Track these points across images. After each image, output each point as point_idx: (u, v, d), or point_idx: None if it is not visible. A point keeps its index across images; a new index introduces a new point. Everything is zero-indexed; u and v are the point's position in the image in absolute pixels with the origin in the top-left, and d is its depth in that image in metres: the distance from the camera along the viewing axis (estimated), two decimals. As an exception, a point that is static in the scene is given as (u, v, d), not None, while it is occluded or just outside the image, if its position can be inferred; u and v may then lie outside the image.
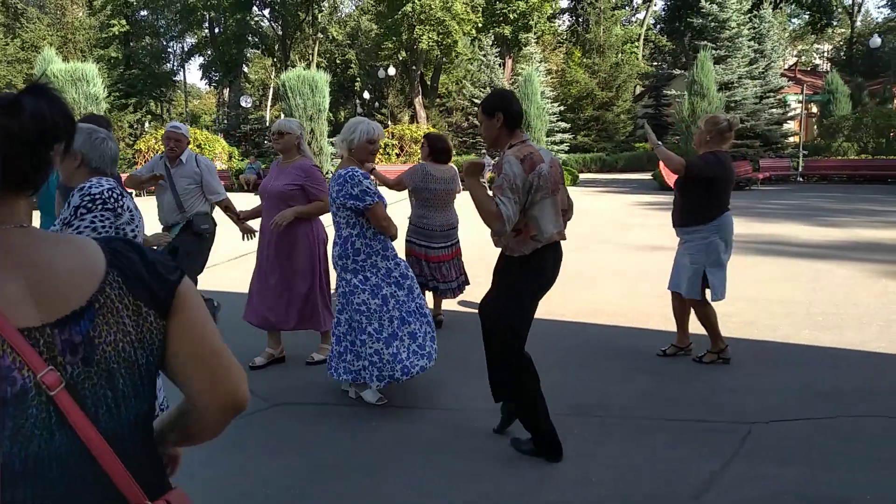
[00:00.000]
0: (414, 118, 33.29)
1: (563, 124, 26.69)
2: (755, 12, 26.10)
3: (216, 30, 41.62)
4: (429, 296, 5.60)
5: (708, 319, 4.47)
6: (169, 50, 46.19)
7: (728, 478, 3.01)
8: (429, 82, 36.39)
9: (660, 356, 4.68)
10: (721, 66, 23.60)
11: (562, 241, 3.26)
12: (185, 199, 5.12)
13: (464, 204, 4.66)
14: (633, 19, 46.26)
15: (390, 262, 3.79)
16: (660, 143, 4.55)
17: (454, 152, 28.19)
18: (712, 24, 24.82)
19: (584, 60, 35.07)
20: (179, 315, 0.99)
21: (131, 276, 0.95)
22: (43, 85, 0.91)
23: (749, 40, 24.72)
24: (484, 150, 24.64)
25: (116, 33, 37.58)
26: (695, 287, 4.40)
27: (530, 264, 3.15)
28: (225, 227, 5.76)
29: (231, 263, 8.69)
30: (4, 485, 0.82)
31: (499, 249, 3.30)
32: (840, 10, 42.71)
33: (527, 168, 3.03)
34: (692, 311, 4.59)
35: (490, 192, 3.08)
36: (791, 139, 25.25)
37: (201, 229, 5.22)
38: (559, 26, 42.06)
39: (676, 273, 4.56)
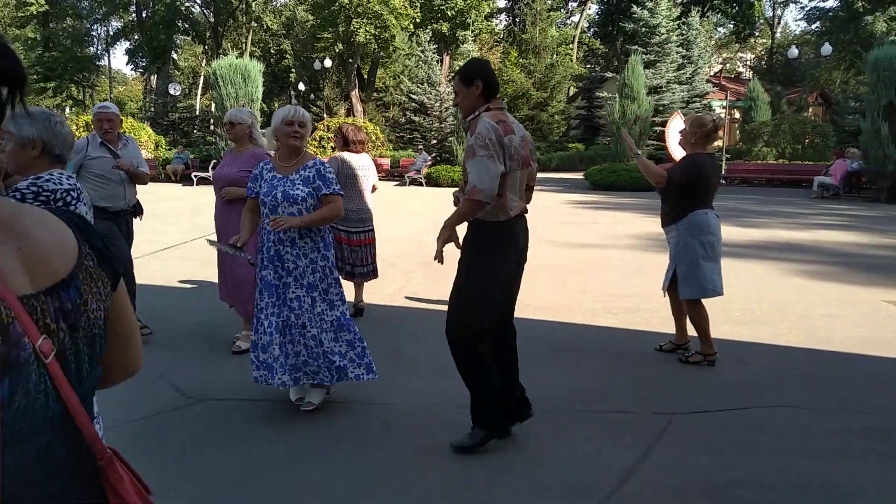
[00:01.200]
0: (350, 111, 32.93)
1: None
2: (683, 19, 27.06)
3: (144, 14, 39.97)
4: (349, 287, 5.57)
5: (697, 321, 4.47)
6: (92, 33, 44.10)
7: (646, 468, 3.08)
8: (366, 76, 36.07)
9: (656, 350, 4.76)
10: (651, 70, 24.37)
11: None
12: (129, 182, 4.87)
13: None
14: (568, 22, 47.14)
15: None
16: (639, 152, 4.67)
17: (391, 147, 27.75)
18: (643, 29, 25.60)
19: (520, 60, 35.49)
20: (119, 292, 1.04)
21: (97, 249, 0.99)
22: None
23: (678, 46, 25.64)
24: (421, 146, 24.62)
25: (35, 13, 35.59)
26: (665, 282, 4.61)
27: (505, 233, 3.10)
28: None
29: (154, 256, 8.37)
30: (4, 448, 0.83)
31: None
32: (762, 21, 44.78)
33: (502, 130, 3.00)
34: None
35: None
36: (715, 143, 26.26)
37: (141, 210, 5.15)
38: (496, 25, 42.43)
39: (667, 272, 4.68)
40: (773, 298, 6.29)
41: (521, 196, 3.19)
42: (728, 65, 52.83)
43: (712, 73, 35.58)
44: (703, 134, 4.42)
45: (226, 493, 2.86)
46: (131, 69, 47.81)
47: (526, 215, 3.25)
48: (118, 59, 78.68)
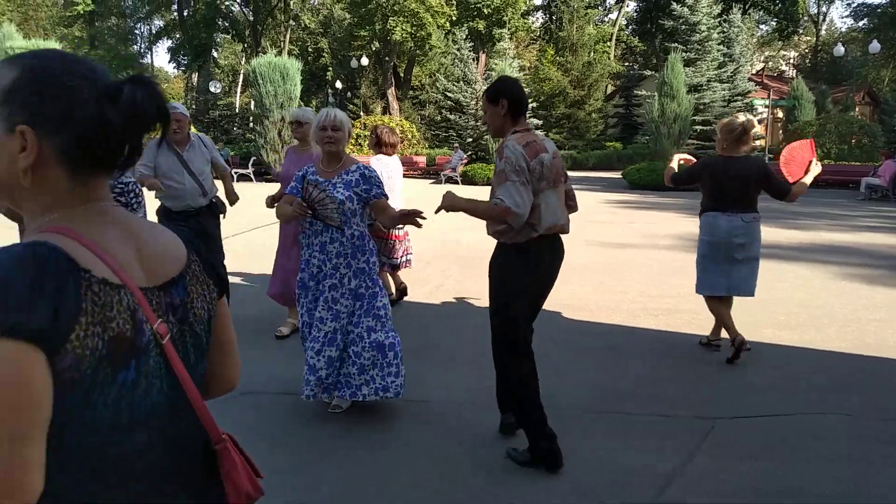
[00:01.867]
0: (387, 110, 33.08)
1: (536, 121, 26.74)
2: (725, 16, 26.52)
3: (185, 13, 40.73)
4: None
5: (713, 313, 4.71)
6: (136, 31, 45.15)
7: (690, 473, 3.03)
8: (402, 74, 36.19)
9: (702, 345, 4.91)
10: (691, 68, 23.95)
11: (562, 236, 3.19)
12: (204, 181, 4.83)
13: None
14: (606, 19, 46.61)
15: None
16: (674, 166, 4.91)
17: (427, 146, 27.73)
18: (683, 26, 25.17)
19: (557, 58, 35.21)
20: (220, 303, 1.15)
21: (203, 259, 1.11)
22: (146, 77, 0.99)
23: (718, 44, 25.14)
24: (456, 144, 24.59)
25: (81, 12, 36.54)
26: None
27: (525, 253, 3.04)
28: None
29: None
30: (130, 430, 0.92)
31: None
32: (806, 18, 43.65)
33: (529, 154, 2.96)
34: (726, 307, 4.72)
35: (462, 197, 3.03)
36: (757, 143, 25.73)
37: (223, 209, 5.10)
38: (533, 23, 42.18)
39: None
40: (820, 302, 6.12)
41: (562, 212, 3.14)
42: (771, 63, 51.66)
43: (754, 72, 34.83)
44: (733, 138, 4.48)
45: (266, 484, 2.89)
46: (173, 67, 48.78)
47: (562, 235, 3.18)
48: (160, 57, 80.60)
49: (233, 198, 5.18)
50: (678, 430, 3.46)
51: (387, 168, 5.60)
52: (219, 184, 5.11)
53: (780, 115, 29.46)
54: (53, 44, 19.91)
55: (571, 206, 3.33)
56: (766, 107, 26.27)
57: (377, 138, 5.76)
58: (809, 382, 4.15)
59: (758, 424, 3.55)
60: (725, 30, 25.78)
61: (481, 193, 6.94)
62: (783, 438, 3.37)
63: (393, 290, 6.00)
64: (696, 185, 4.68)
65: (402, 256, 5.87)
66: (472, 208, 2.99)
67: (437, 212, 3.05)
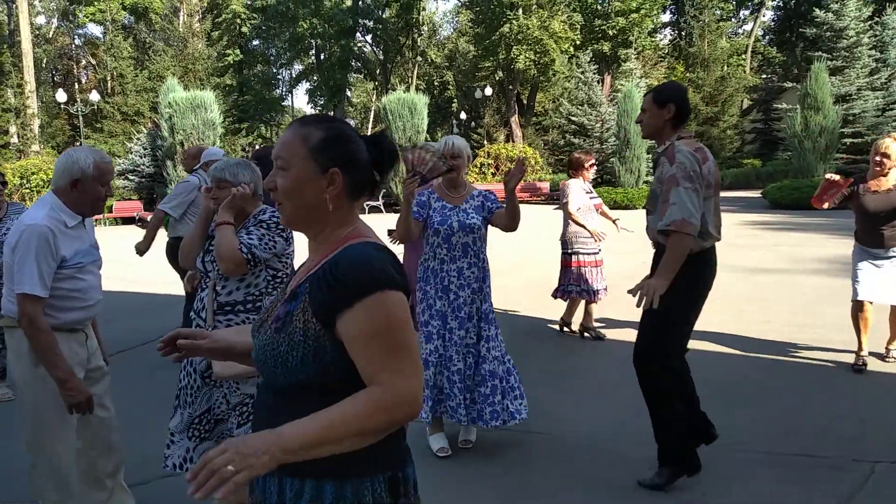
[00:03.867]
0: (510, 137, 33.37)
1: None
2: (877, 19, 24.44)
3: (322, 56, 43.53)
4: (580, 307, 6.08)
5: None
6: (278, 77, 48.77)
7: (847, 520, 2.81)
8: (525, 101, 36.41)
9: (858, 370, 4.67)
10: (837, 77, 22.23)
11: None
12: None
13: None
14: (741, 31, 44.44)
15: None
16: None
17: (550, 171, 27.55)
18: (827, 33, 23.46)
19: (688, 75, 33.98)
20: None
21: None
22: (386, 131, 1.46)
23: (869, 49, 23.16)
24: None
25: (231, 62, 40.09)
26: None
27: (697, 265, 2.94)
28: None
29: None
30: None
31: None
32: (976, 12, 39.22)
33: (700, 159, 2.93)
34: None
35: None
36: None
37: None
38: (660, 41, 41.04)
39: None
40: None
41: (719, 223, 3.07)
42: (933, 64, 46.80)
43: (914, 76, 31.69)
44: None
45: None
46: (311, 107, 52.09)
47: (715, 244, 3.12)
48: (299, 98, 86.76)
49: None
50: (831, 473, 3.22)
51: (587, 191, 5.91)
52: None
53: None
54: (209, 93, 21.94)
55: (719, 220, 3.22)
56: (929, 114, 23.79)
57: (572, 163, 6.01)
58: None
59: (926, 470, 3.23)
60: (878, 33, 23.71)
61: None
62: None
63: (592, 321, 5.94)
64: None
65: (599, 283, 5.79)
66: (675, 260, 2.84)
67: (639, 305, 2.89)
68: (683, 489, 3.09)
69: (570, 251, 5.82)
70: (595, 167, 6.10)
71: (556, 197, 23.69)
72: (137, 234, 5.54)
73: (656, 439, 3.12)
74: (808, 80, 20.13)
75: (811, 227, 13.41)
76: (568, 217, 5.77)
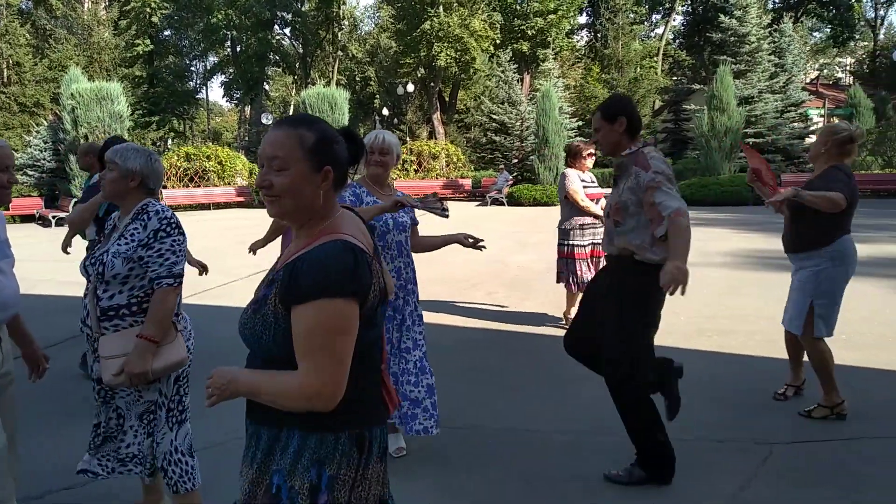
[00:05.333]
0: (432, 134, 33.46)
1: (582, 139, 26.62)
2: (775, 26, 25.96)
3: (238, 48, 42.25)
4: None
5: (822, 362, 3.80)
6: (192, 68, 47.01)
7: (747, 500, 2.94)
8: (447, 98, 36.59)
9: (778, 400, 4.10)
10: (741, 80, 23.46)
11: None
12: None
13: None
14: (652, 34, 46.23)
15: None
16: (798, 192, 3.72)
17: (472, 168, 27.66)
18: (731, 38, 24.73)
19: (603, 76, 35.07)
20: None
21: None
22: (348, 128, 1.62)
23: (769, 54, 24.58)
24: (502, 166, 24.63)
25: (141, 52, 38.33)
26: (795, 319, 3.88)
27: (650, 275, 2.87)
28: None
29: (250, 279, 8.75)
30: (376, 344, 1.59)
31: None
32: (862, 23, 42.33)
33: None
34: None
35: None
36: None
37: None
38: (577, 42, 42.14)
39: (790, 306, 3.98)
40: (884, 319, 5.88)
41: None
42: (825, 71, 50.18)
43: (808, 81, 33.87)
44: (837, 143, 3.79)
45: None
46: (226, 101, 50.54)
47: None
48: (214, 91, 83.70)
49: None
50: (735, 456, 3.37)
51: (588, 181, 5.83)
52: None
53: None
54: (116, 84, 20.88)
55: None
56: (822, 116, 25.50)
57: (570, 152, 5.90)
58: (875, 405, 3.98)
59: (818, 449, 3.43)
60: (777, 39, 25.21)
61: (527, 214, 6.89)
62: (843, 464, 3.24)
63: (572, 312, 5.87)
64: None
65: (588, 274, 5.71)
66: (684, 245, 2.80)
67: (672, 293, 2.77)
68: (589, 478, 3.15)
69: (569, 242, 5.76)
70: (594, 157, 5.98)
71: (477, 194, 23.91)
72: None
73: (634, 444, 3.12)
74: (714, 82, 21.16)
75: (717, 223, 14.13)
76: (573, 206, 5.66)
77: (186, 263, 2.76)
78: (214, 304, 7.13)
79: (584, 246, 5.75)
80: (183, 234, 2.56)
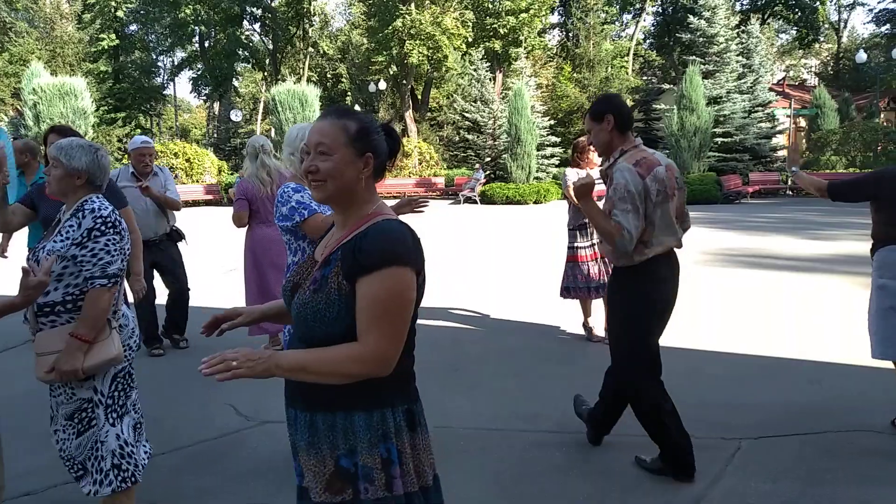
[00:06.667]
0: (405, 132, 33.33)
1: (554, 138, 26.72)
2: (743, 28, 26.37)
3: (206, 44, 41.58)
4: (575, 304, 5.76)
5: None
6: (159, 64, 46.12)
7: (717, 495, 2.95)
8: (419, 96, 36.48)
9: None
10: (710, 80, 23.78)
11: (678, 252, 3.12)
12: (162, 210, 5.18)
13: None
14: (623, 34, 46.65)
15: None
16: (795, 170, 3.94)
17: (445, 166, 27.48)
18: (700, 39, 25.06)
19: (575, 75, 35.27)
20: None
21: None
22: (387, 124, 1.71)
23: (737, 55, 24.95)
24: (477, 165, 24.62)
25: (105, 48, 37.46)
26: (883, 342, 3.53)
27: (642, 276, 2.96)
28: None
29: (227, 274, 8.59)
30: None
31: None
32: (826, 25, 43.23)
33: (643, 172, 2.86)
34: None
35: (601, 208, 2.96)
36: (780, 153, 25.43)
37: (183, 235, 5.43)
38: (549, 41, 42.33)
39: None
40: (846, 316, 5.98)
41: (676, 227, 3.04)
42: (792, 72, 51.16)
43: (775, 82, 34.50)
44: None
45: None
46: (195, 97, 49.77)
47: (676, 250, 3.10)
48: (182, 87, 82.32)
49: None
50: (703, 451, 3.37)
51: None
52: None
53: (803, 123, 29.12)
54: (80, 79, 20.40)
55: (683, 220, 3.20)
56: (788, 116, 25.97)
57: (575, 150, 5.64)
58: (839, 399, 4.04)
59: (785, 444, 3.45)
60: (744, 40, 25.60)
61: (500, 213, 6.86)
62: (811, 458, 3.27)
63: (590, 321, 5.57)
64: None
65: (599, 278, 5.38)
66: (592, 215, 2.94)
67: (570, 191, 2.93)
68: (566, 469, 3.13)
69: (574, 245, 5.49)
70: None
71: (450, 192, 23.89)
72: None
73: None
74: (683, 82, 21.43)
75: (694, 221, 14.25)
76: (576, 206, 5.32)
77: None
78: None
79: (586, 248, 5.46)
80: (119, 233, 2.48)
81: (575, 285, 5.46)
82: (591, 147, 5.58)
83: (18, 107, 22.64)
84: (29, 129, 19.55)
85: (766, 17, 39.05)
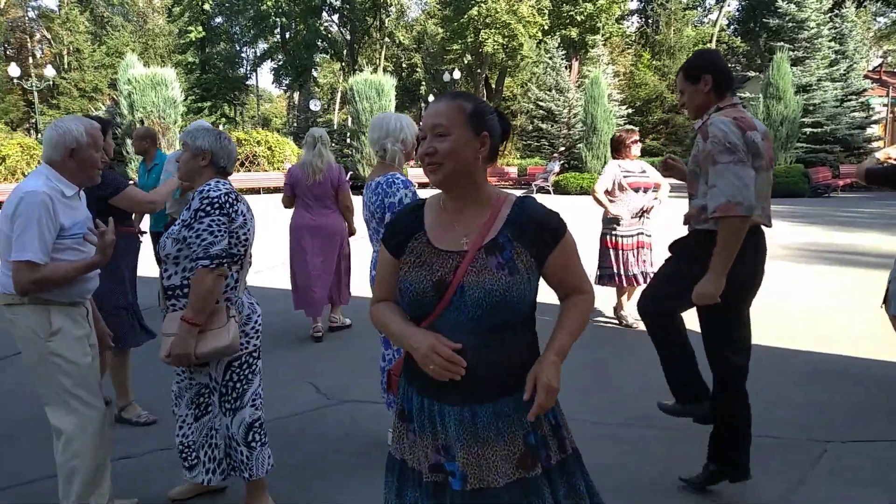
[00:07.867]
0: (478, 121, 33.30)
1: (631, 127, 26.17)
2: (836, 11, 24.95)
3: (287, 35, 42.73)
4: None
5: None
6: (242, 55, 47.75)
7: (799, 499, 2.88)
8: (493, 85, 36.36)
9: None
10: (799, 67, 22.67)
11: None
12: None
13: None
14: (706, 20, 44.97)
15: None
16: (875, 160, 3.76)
17: (518, 156, 27.37)
18: (789, 24, 23.86)
19: (654, 62, 34.34)
20: None
21: None
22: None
23: (829, 41, 23.65)
24: (556, 154, 24.37)
25: (193, 39, 39.11)
26: None
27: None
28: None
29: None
30: None
31: None
32: (931, 7, 40.31)
33: (743, 127, 2.53)
34: None
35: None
36: (875, 144, 23.99)
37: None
38: (628, 28, 41.29)
39: None
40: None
41: (768, 201, 2.72)
42: (890, 58, 48.06)
43: (871, 69, 32.54)
44: None
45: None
46: (276, 87, 51.20)
47: (765, 228, 2.78)
48: (264, 78, 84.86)
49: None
50: (787, 453, 3.29)
51: (634, 170, 5.57)
52: None
53: (902, 113, 27.36)
54: (171, 70, 21.37)
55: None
56: (885, 105, 24.45)
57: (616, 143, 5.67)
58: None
59: (873, 449, 3.32)
60: (838, 25, 24.22)
61: (574, 203, 6.77)
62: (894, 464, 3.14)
63: (624, 311, 5.71)
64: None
65: (635, 267, 5.51)
66: (726, 252, 2.51)
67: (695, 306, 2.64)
68: (646, 465, 3.12)
69: (604, 231, 5.62)
70: (639, 143, 5.66)
71: (523, 182, 23.77)
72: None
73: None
74: (770, 69, 20.50)
75: (773, 215, 13.68)
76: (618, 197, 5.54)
77: None
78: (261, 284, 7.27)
79: (630, 236, 5.52)
80: (227, 214, 2.44)
81: (615, 273, 5.56)
82: (631, 140, 5.55)
83: (114, 96, 23.95)
84: (124, 118, 20.68)
85: (862, 0, 36.78)
